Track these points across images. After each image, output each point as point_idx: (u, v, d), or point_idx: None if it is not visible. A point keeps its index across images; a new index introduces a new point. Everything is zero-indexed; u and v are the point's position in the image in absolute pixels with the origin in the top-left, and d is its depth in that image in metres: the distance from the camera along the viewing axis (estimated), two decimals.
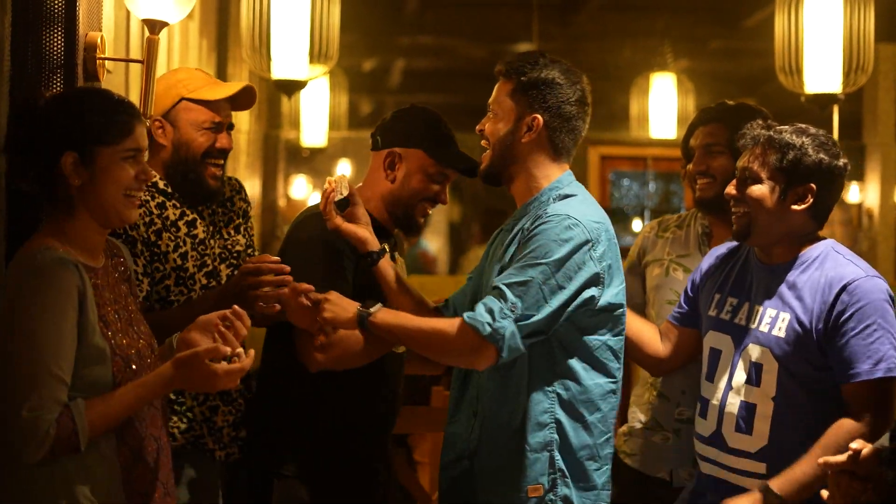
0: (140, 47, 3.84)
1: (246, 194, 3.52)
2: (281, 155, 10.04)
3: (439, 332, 2.91)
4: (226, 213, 3.41)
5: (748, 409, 3.04)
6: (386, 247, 3.21)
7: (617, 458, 3.73)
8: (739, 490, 3.02)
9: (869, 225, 9.07)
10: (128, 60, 3.39)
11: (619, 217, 9.36)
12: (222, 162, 3.31)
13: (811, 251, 3.06)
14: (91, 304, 2.48)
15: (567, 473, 2.94)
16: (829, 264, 3.02)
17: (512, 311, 2.84)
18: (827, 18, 5.19)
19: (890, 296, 3.00)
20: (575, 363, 2.95)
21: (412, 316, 3.01)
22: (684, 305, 3.35)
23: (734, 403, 3.06)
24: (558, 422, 2.95)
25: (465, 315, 2.87)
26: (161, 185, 3.25)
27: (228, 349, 2.53)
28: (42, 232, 2.56)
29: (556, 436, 2.94)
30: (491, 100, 3.08)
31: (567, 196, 2.99)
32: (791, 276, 3.05)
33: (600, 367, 2.97)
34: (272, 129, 9.58)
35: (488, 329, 2.83)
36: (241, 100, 3.36)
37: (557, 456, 2.94)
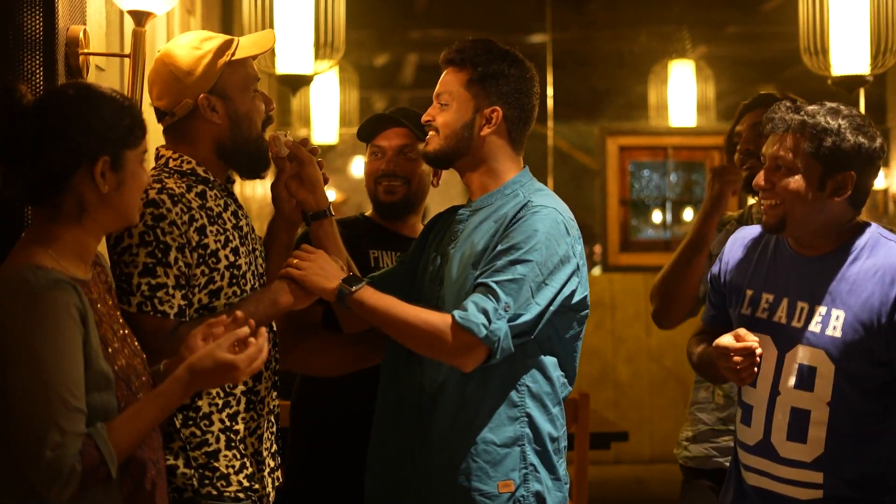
0: None
1: None
2: None
3: (431, 327, 2.75)
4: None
5: (801, 416, 2.79)
6: (328, 210, 3.03)
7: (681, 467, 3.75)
8: (790, 501, 2.82)
9: (895, 211, 8.84)
10: (112, 55, 3.19)
11: (641, 209, 9.17)
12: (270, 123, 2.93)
13: (858, 240, 2.82)
14: (93, 326, 2.26)
15: (538, 468, 2.84)
16: (882, 252, 2.78)
17: (506, 311, 2.74)
18: None
19: None
20: (546, 356, 2.86)
21: (400, 302, 2.81)
22: (716, 306, 3.10)
23: (784, 410, 2.82)
24: (529, 415, 2.85)
25: (457, 315, 2.73)
26: (200, 171, 2.79)
27: (245, 330, 2.34)
28: (28, 244, 2.31)
29: (527, 430, 2.84)
30: (440, 89, 2.94)
31: (537, 190, 2.92)
32: (839, 269, 2.80)
33: (566, 362, 2.90)
34: (282, 127, 9.43)
35: (484, 331, 2.71)
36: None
37: (529, 450, 2.84)
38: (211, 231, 2.72)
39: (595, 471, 6.14)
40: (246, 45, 2.80)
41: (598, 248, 9.52)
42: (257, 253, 2.91)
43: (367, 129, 3.46)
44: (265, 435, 2.87)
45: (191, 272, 2.69)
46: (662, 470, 7.88)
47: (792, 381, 2.80)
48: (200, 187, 2.78)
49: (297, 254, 2.83)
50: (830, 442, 2.77)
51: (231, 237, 2.78)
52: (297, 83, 5.29)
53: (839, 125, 2.75)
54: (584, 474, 4.22)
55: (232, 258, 2.76)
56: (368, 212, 3.54)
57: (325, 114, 8.21)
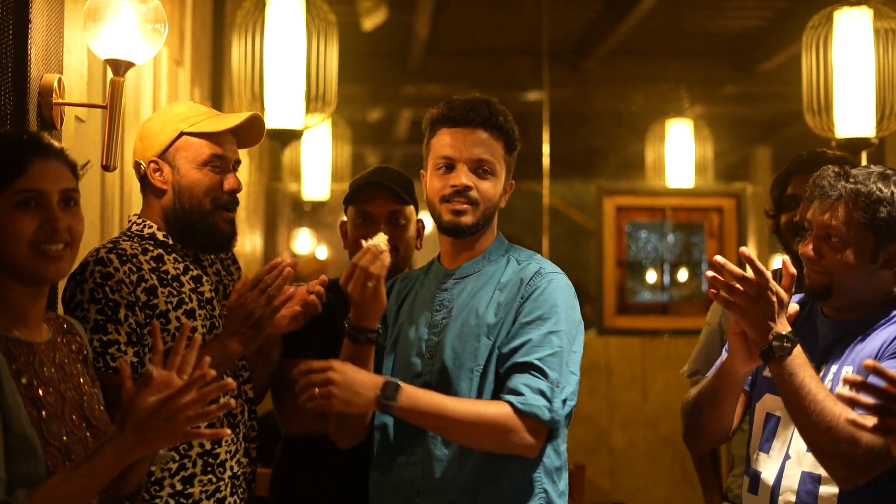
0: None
1: (238, 264, 3.15)
2: (282, 208, 9.79)
3: (492, 421, 2.62)
4: (228, 277, 3.03)
5: (811, 481, 2.64)
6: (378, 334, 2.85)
7: None
8: None
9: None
10: (88, 105, 3.04)
11: (637, 271, 9.02)
12: (234, 207, 2.92)
13: (894, 312, 2.68)
14: (9, 387, 2.07)
15: None
16: None
17: (558, 387, 2.66)
18: (857, 59, 4.89)
19: None
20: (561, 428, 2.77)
21: (448, 399, 2.66)
22: None
23: (793, 476, 2.67)
24: (546, 492, 2.74)
25: (517, 402, 2.62)
26: (160, 236, 2.87)
27: (179, 381, 2.13)
28: None
29: None
30: (485, 156, 2.78)
31: (530, 255, 2.86)
32: (865, 333, 2.67)
33: (567, 433, 2.83)
34: (273, 182, 9.32)
35: (548, 414, 2.64)
36: (248, 134, 2.97)
37: None
38: (162, 292, 2.77)
39: None
40: (204, 122, 2.87)
41: (587, 309, 9.35)
42: (218, 325, 2.88)
43: (357, 195, 3.33)
44: (228, 500, 2.82)
45: (141, 331, 2.72)
46: None
47: (804, 444, 2.64)
48: (157, 251, 2.84)
49: (320, 379, 2.59)
50: None
51: (187, 300, 2.81)
52: (287, 137, 5.15)
53: (892, 192, 2.62)
54: None
55: (184, 320, 2.77)
56: None
57: (317, 169, 8.08)
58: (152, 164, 2.88)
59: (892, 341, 2.61)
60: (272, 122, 5.05)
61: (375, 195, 3.30)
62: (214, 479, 2.80)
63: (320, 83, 5.19)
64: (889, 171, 2.66)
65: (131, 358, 2.69)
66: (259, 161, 8.79)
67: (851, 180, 2.65)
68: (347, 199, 3.35)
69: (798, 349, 2.55)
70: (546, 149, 7.87)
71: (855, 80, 4.89)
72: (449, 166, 2.77)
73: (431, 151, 2.83)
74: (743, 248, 2.56)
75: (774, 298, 2.54)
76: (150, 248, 2.84)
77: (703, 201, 8.74)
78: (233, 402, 2.13)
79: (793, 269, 2.61)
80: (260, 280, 2.76)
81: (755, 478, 2.76)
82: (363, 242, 2.69)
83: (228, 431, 2.15)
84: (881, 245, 2.63)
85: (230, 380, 2.12)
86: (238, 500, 2.89)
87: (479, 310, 2.74)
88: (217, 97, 6.40)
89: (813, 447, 2.58)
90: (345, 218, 3.41)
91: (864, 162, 5.05)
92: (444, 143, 2.79)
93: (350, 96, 8.34)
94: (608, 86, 9.33)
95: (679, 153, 7.91)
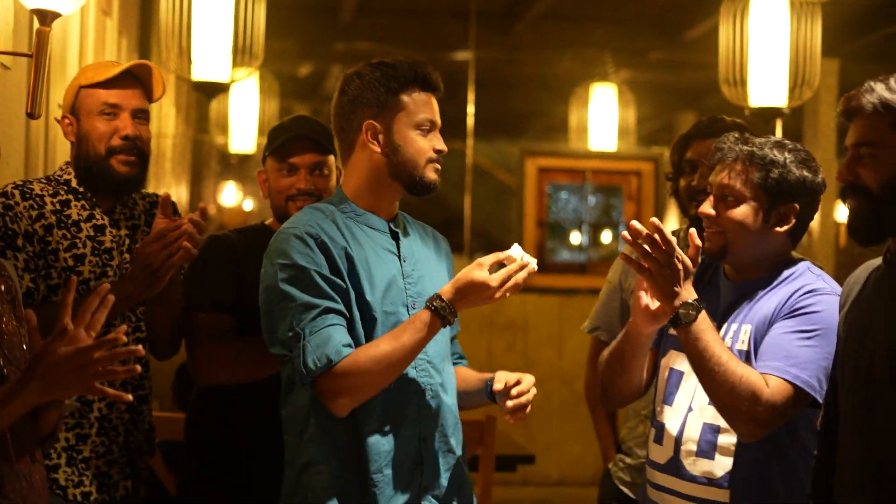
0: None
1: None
2: (209, 160, 9.78)
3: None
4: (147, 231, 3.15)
5: (711, 431, 2.81)
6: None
7: (619, 490, 3.70)
8: None
9: (808, 242, 8.93)
10: (14, 53, 3.09)
11: (557, 231, 9.16)
12: (131, 151, 3.08)
13: (787, 271, 2.86)
14: None
15: None
16: (801, 279, 2.83)
17: None
18: (773, 31, 5.05)
19: None
20: None
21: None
22: None
23: (695, 426, 2.83)
24: None
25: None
26: (74, 183, 3.13)
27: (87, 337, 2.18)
28: None
29: None
30: (439, 120, 2.84)
31: None
32: (761, 292, 2.85)
33: None
34: (200, 134, 9.30)
35: None
36: (149, 84, 3.16)
37: None
38: (57, 232, 3.02)
39: (502, 492, 6.09)
40: (96, 74, 3.11)
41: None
42: (111, 274, 3.07)
43: (281, 147, 3.32)
44: (93, 439, 3.06)
45: (38, 261, 2.98)
46: (569, 493, 7.87)
47: (705, 397, 2.79)
48: (67, 196, 3.09)
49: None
50: (739, 458, 2.78)
51: (80, 245, 3.05)
52: (213, 90, 5.18)
53: (785, 158, 2.80)
54: (487, 496, 4.20)
55: (72, 262, 3.02)
56: (269, 220, 3.45)
57: (244, 122, 8.09)
58: (65, 120, 3.13)
59: (785, 302, 2.79)
60: (198, 74, 5.09)
61: (299, 147, 3.32)
62: (77, 416, 3.02)
63: (248, 36, 5.21)
64: (786, 142, 2.85)
65: (28, 283, 2.95)
66: (186, 113, 8.79)
67: (749, 144, 2.83)
68: (269, 150, 3.37)
69: (703, 315, 2.72)
70: (471, 109, 7.94)
71: (770, 51, 5.03)
72: (430, 129, 2.79)
73: (407, 108, 2.76)
74: (654, 219, 2.71)
75: (680, 266, 2.71)
76: (63, 192, 3.09)
77: (622, 164, 8.87)
78: (139, 367, 2.19)
79: (698, 241, 2.77)
80: (163, 236, 2.90)
81: (660, 429, 2.90)
82: (514, 256, 2.67)
83: (130, 397, 2.23)
84: (773, 205, 2.80)
85: (139, 346, 2.19)
86: (108, 441, 3.09)
87: (438, 268, 2.88)
88: (144, 48, 6.41)
89: (717, 405, 2.75)
90: (262, 167, 3.44)
91: (778, 131, 5.21)
92: (425, 104, 2.79)
93: (279, 51, 8.33)
94: (536, 49, 9.37)
95: (602, 117, 8.04)
